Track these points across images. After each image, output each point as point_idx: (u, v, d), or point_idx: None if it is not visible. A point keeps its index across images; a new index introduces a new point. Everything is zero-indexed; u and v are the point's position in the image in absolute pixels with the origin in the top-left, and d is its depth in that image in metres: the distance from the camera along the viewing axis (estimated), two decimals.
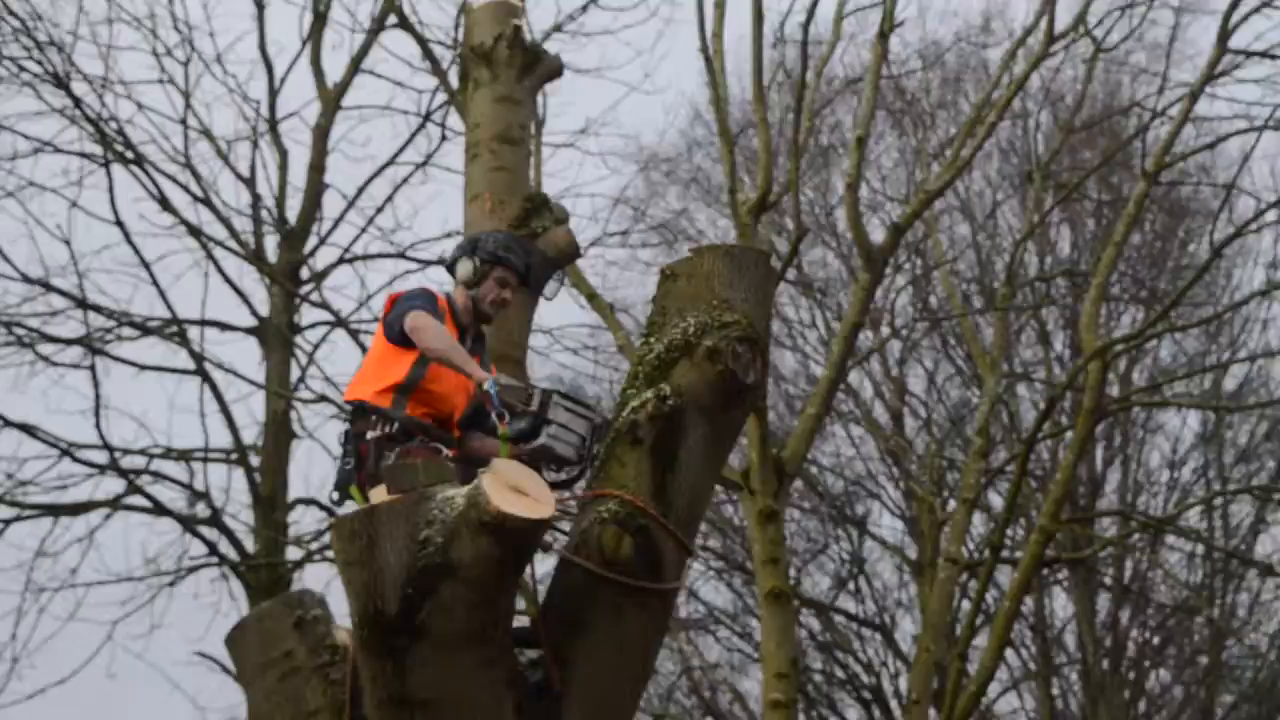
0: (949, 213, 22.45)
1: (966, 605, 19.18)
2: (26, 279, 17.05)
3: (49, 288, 17.13)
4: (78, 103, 17.38)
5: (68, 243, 17.06)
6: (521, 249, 7.44)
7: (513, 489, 5.98)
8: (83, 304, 17.20)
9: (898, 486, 24.84)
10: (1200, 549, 22.69)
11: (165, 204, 17.59)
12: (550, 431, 6.64)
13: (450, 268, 7.43)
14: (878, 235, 17.72)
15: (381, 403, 6.97)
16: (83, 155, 17.69)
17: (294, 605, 7.28)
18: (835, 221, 22.77)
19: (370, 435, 6.94)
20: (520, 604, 6.69)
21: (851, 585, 25.25)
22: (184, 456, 17.48)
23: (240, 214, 18.23)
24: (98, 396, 16.76)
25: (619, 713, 6.62)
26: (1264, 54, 16.95)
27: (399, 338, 7.01)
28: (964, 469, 19.24)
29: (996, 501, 21.58)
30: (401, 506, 6.08)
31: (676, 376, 6.69)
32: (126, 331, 17.68)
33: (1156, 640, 24.42)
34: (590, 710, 6.40)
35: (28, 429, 16.89)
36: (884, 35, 16.78)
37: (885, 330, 22.65)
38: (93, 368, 16.95)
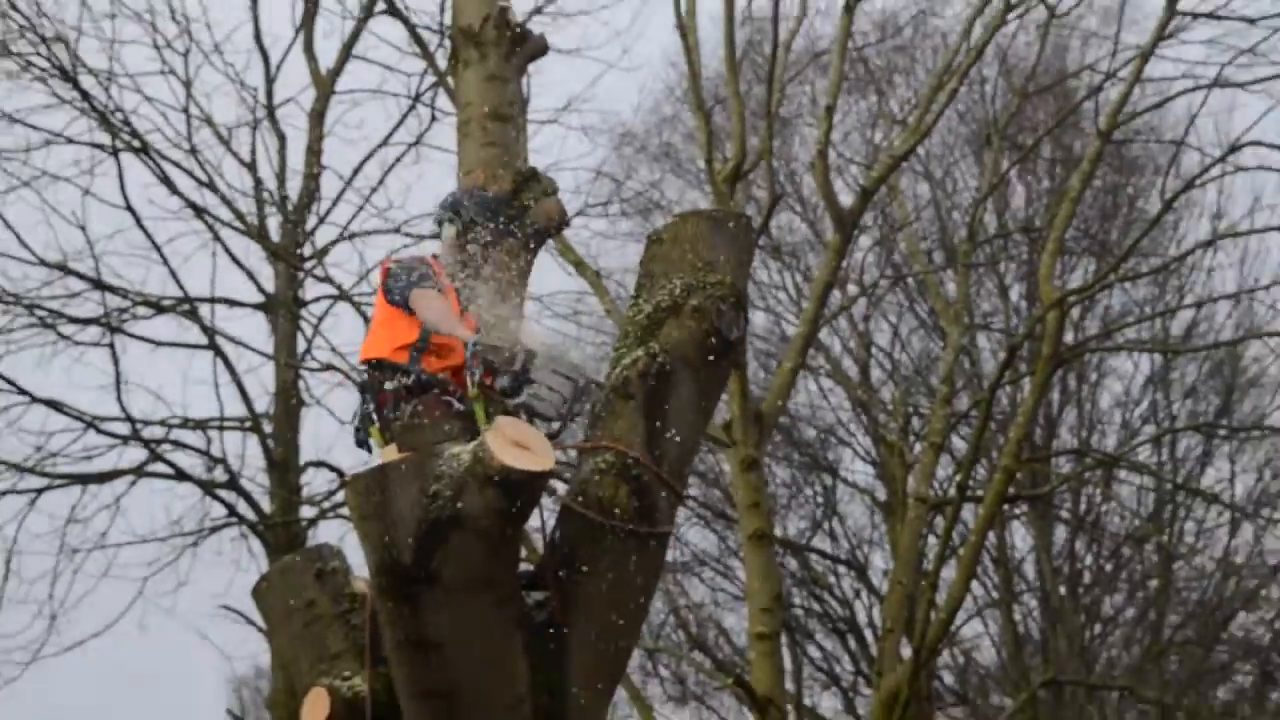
0: (909, 174, 22.36)
1: (934, 541, 19.13)
2: (45, 263, 17.03)
3: (67, 271, 17.09)
4: (85, 95, 17.27)
5: (83, 228, 17.11)
6: (498, 208, 7.39)
7: (515, 444, 6.00)
8: (99, 285, 17.16)
9: (867, 433, 24.71)
10: (1150, 482, 22.67)
11: (172, 189, 17.50)
12: (531, 390, 6.54)
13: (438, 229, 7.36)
14: (846, 199, 17.58)
15: (399, 359, 6.89)
16: (92, 145, 17.59)
17: (314, 558, 7.36)
18: (803, 187, 22.76)
19: (389, 386, 6.85)
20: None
21: (826, 527, 25.31)
22: (201, 426, 17.48)
23: (244, 195, 18.18)
24: (118, 372, 16.87)
25: (619, 646, 6.60)
26: (1211, 15, 16.91)
27: (401, 303, 6.93)
28: (930, 415, 19.23)
29: (960, 445, 21.63)
30: (412, 464, 6.11)
31: (664, 335, 6.70)
32: (141, 310, 17.64)
33: (1110, 567, 24.41)
34: (593, 645, 6.40)
35: (54, 404, 16.90)
36: (849, 9, 16.77)
37: (853, 289, 22.53)
38: (111, 345, 17.03)
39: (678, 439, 6.65)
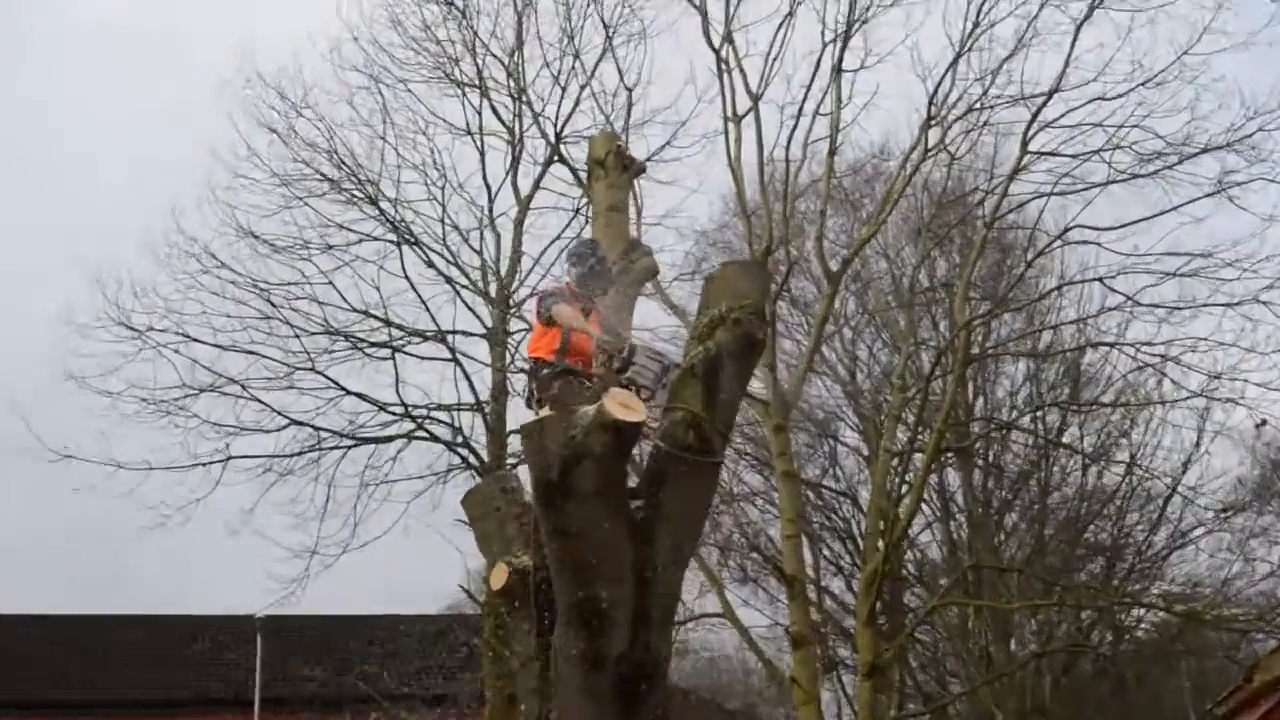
0: (875, 255, 22.16)
1: (897, 480, 18.85)
2: (354, 309, 17.25)
3: (369, 315, 17.31)
4: (382, 211, 17.55)
5: (378, 288, 17.34)
6: (602, 258, 7.20)
7: (623, 405, 5.92)
8: (388, 323, 17.29)
9: (855, 413, 24.50)
10: (1030, 441, 22.38)
11: (433, 266, 17.69)
12: (635, 369, 6.44)
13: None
14: (834, 264, 17.43)
15: (550, 358, 6.73)
16: (383, 240, 17.78)
17: (500, 480, 7.32)
18: (808, 258, 22.44)
19: (544, 373, 6.69)
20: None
21: (832, 472, 25.00)
22: (448, 409, 17.40)
23: (474, 269, 18.19)
24: (397, 376, 17.03)
25: (690, 536, 6.46)
26: (1052, 153, 16.44)
27: (547, 320, 6.80)
28: (892, 397, 18.99)
29: (911, 419, 21.34)
30: (557, 417, 6.01)
31: (717, 337, 6.56)
32: (414, 340, 17.63)
33: (1009, 496, 23.86)
34: (672, 532, 6.28)
35: (360, 395, 17.06)
36: (831, 153, 16.68)
37: (841, 321, 22.45)
38: (394, 359, 17.21)
39: (725, 402, 6.48)
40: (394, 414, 17.07)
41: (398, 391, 16.99)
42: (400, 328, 17.45)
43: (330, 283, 17.25)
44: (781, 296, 18.45)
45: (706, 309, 6.68)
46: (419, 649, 18.40)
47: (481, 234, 18.30)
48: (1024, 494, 23.71)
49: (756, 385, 15.96)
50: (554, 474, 5.79)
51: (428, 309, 17.49)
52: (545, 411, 6.36)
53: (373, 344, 17.30)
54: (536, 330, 6.96)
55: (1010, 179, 16.72)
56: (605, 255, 7.22)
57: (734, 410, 6.70)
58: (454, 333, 17.70)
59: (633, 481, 6.43)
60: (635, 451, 6.32)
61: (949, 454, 20.87)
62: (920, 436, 18.72)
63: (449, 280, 17.76)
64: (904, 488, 18.08)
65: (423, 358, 17.61)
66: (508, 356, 17.41)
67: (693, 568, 22.09)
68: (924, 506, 22.67)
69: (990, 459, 23.30)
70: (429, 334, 17.53)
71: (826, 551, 24.78)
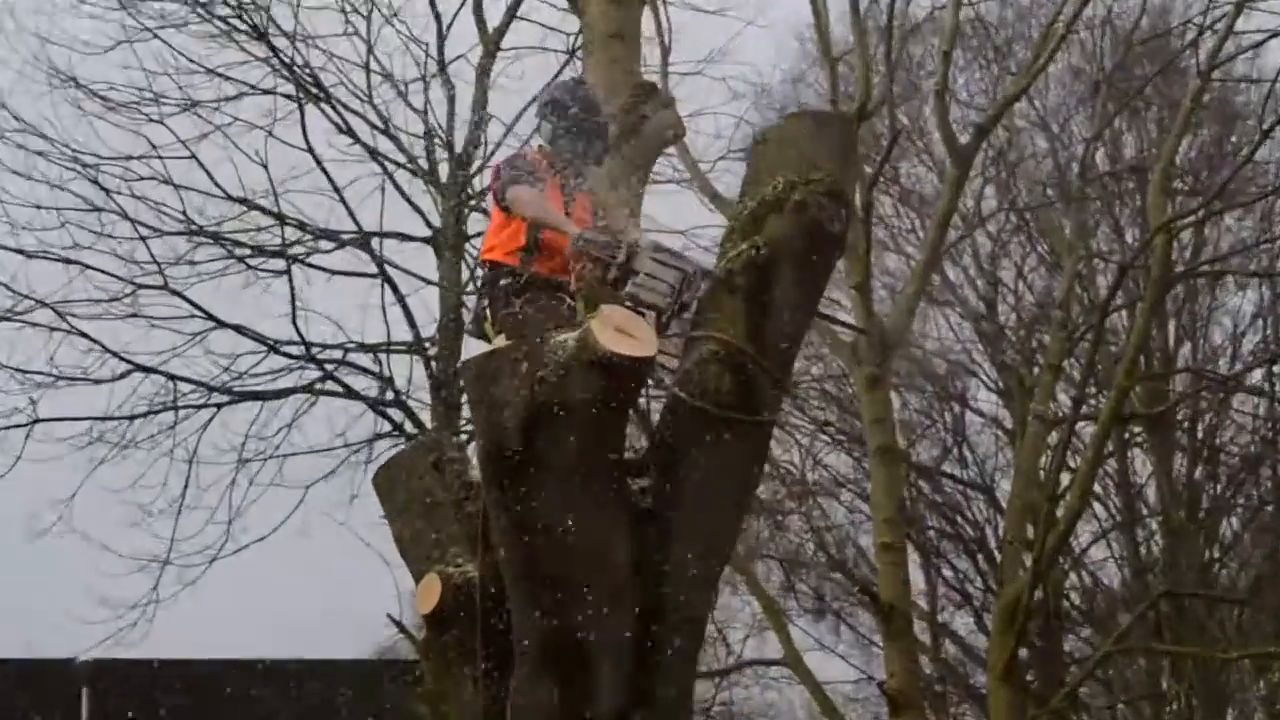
0: (1027, 127, 22.02)
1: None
2: (231, 198, 17.19)
3: (252, 206, 17.23)
4: (276, 52, 17.50)
5: (265, 167, 17.16)
6: (598, 109, 7.09)
7: (620, 331, 5.81)
8: (280, 219, 17.32)
9: (992, 363, 24.54)
10: (1263, 409, 22.32)
11: (351, 134, 17.72)
12: (636, 280, 6.27)
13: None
14: (965, 137, 17.41)
15: (510, 262, 6.72)
16: (281, 95, 17.74)
17: (431, 448, 7.22)
18: (926, 129, 22.31)
19: (502, 283, 6.70)
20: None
21: (956, 453, 25.05)
22: (372, 350, 17.57)
23: (416, 138, 18.29)
24: (294, 300, 17.05)
25: (723, 534, 6.43)
26: None
27: (506, 205, 6.75)
28: (1049, 339, 19.04)
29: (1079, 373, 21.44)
30: (519, 348, 5.89)
31: (768, 229, 6.43)
32: (321, 244, 17.82)
33: (1228, 492, 23.76)
34: (696, 532, 6.18)
35: (239, 329, 17.07)
36: None
37: (975, 221, 22.42)
38: (289, 274, 17.20)
39: (781, 330, 6.42)
40: (290, 357, 17.23)
41: (295, 324, 17.11)
42: (301, 226, 17.52)
43: (194, 157, 17.19)
44: (881, 182, 18.43)
45: (755, 185, 6.65)
46: (333, 709, 18.51)
47: (426, 88, 18.32)
48: (1249, 488, 23.73)
49: (839, 314, 15.86)
50: (512, 438, 5.77)
51: (343, 200, 17.51)
52: (500, 341, 6.35)
53: (257, 251, 17.38)
54: (493, 220, 6.99)
55: (1239, 8, 16.71)
56: (599, 103, 7.16)
57: (796, 344, 6.63)
58: (382, 235, 17.76)
59: (635, 452, 6.40)
60: (640, 403, 6.31)
61: (1135, 426, 20.84)
62: (1092, 399, 18.53)
63: (375, 156, 17.86)
64: (1064, 476, 17.98)
65: (334, 272, 17.71)
66: (464, 272, 17.43)
67: (736, 589, 22.49)
68: (1099, 507, 22.95)
69: (1199, 435, 23.29)
70: (345, 237, 17.63)
71: (949, 573, 24.99)
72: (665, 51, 16.09)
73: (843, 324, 15.67)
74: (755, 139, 6.90)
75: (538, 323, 6.34)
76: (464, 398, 15.89)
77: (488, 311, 6.77)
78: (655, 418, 6.51)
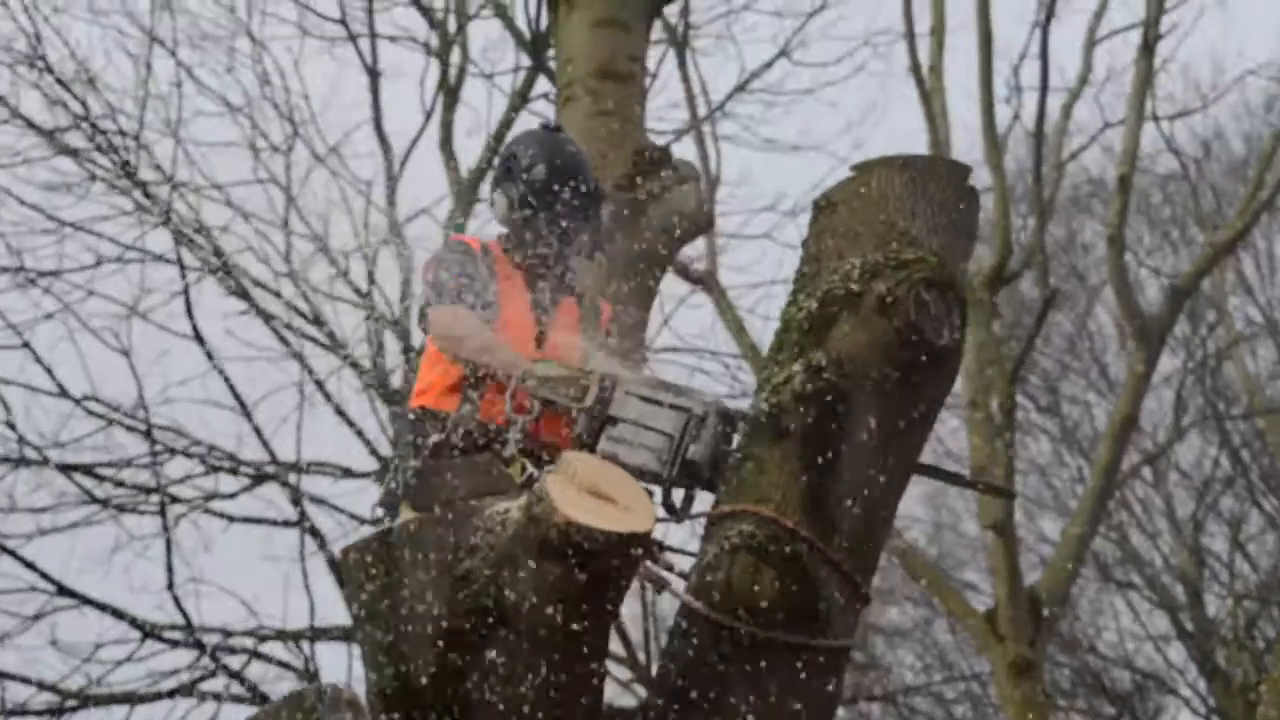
0: (1236, 291, 22.30)
1: None
2: (79, 403, 17.09)
3: (110, 419, 17.23)
4: (151, 198, 17.45)
5: (127, 355, 17.14)
6: (585, 176, 6.90)
7: (592, 493, 5.26)
8: (151, 439, 17.23)
9: (1200, 672, 24.37)
10: None
11: (262, 315, 17.62)
12: (614, 434, 6.07)
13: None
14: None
15: (445, 406, 6.62)
16: (160, 259, 17.70)
17: (309, 709, 6.56)
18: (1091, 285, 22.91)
19: (434, 439, 6.58)
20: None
21: None
22: (294, 637, 17.58)
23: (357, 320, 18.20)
24: (170, 563, 16.88)
25: None
26: None
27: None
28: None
29: None
30: (432, 528, 5.41)
31: (836, 340, 5.89)
32: (221, 482, 17.78)
33: None
34: None
35: (97, 604, 17.02)
36: (1148, 46, 16.78)
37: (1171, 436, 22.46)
38: (163, 521, 17.03)
39: (858, 499, 5.93)
40: (168, 643, 17.19)
41: (174, 596, 16.95)
42: (186, 454, 17.54)
43: (26, 345, 16.98)
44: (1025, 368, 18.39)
45: (814, 276, 6.18)
46: None
47: (372, 257, 18.38)
48: None
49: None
50: (420, 673, 5.35)
51: (247, 413, 17.47)
52: (407, 514, 6.23)
53: (118, 487, 17.42)
54: (426, 349, 6.95)
55: None
56: (586, 163, 6.98)
57: (883, 520, 6.14)
58: (304, 469, 17.61)
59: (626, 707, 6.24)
60: (628, 612, 6.26)
61: None
62: None
63: (299, 357, 17.97)
64: None
65: (236, 519, 17.64)
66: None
67: None
68: None
69: None
70: (250, 470, 17.66)
71: None
72: (692, 101, 17.37)
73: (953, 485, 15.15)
74: (818, 203, 6.40)
75: (469, 489, 6.08)
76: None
77: (399, 481, 6.63)
78: (656, 640, 6.37)
